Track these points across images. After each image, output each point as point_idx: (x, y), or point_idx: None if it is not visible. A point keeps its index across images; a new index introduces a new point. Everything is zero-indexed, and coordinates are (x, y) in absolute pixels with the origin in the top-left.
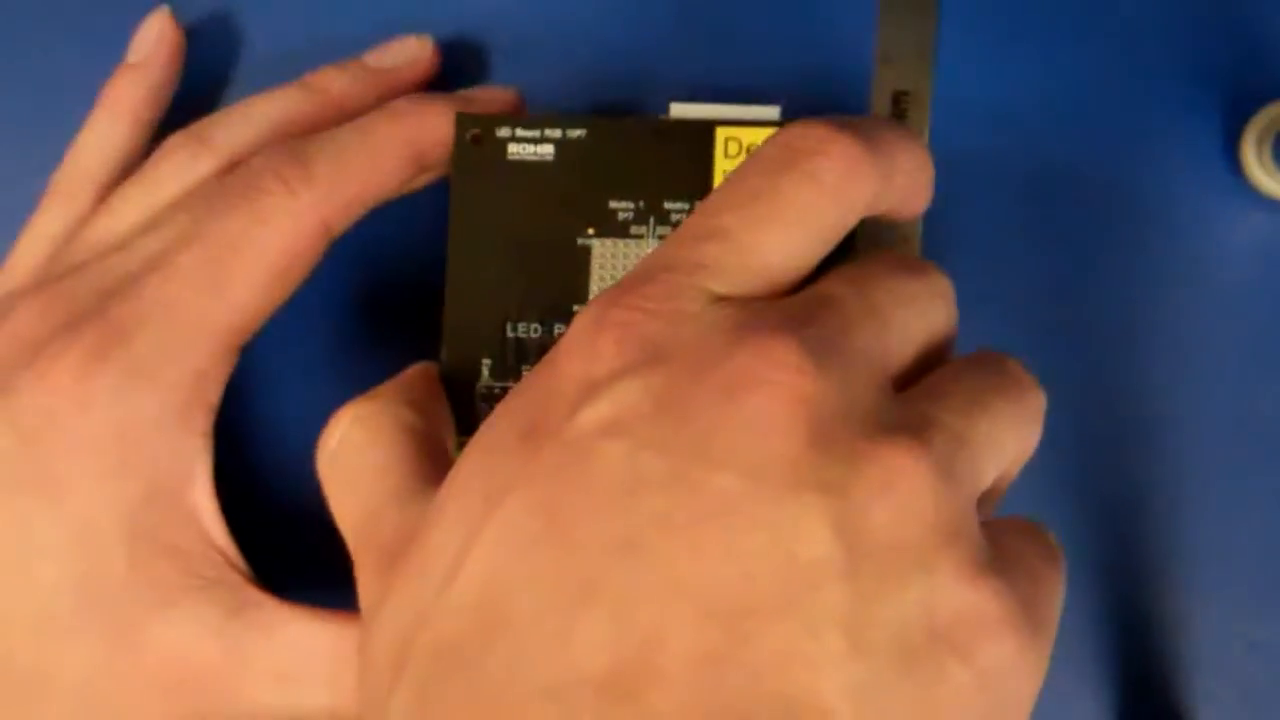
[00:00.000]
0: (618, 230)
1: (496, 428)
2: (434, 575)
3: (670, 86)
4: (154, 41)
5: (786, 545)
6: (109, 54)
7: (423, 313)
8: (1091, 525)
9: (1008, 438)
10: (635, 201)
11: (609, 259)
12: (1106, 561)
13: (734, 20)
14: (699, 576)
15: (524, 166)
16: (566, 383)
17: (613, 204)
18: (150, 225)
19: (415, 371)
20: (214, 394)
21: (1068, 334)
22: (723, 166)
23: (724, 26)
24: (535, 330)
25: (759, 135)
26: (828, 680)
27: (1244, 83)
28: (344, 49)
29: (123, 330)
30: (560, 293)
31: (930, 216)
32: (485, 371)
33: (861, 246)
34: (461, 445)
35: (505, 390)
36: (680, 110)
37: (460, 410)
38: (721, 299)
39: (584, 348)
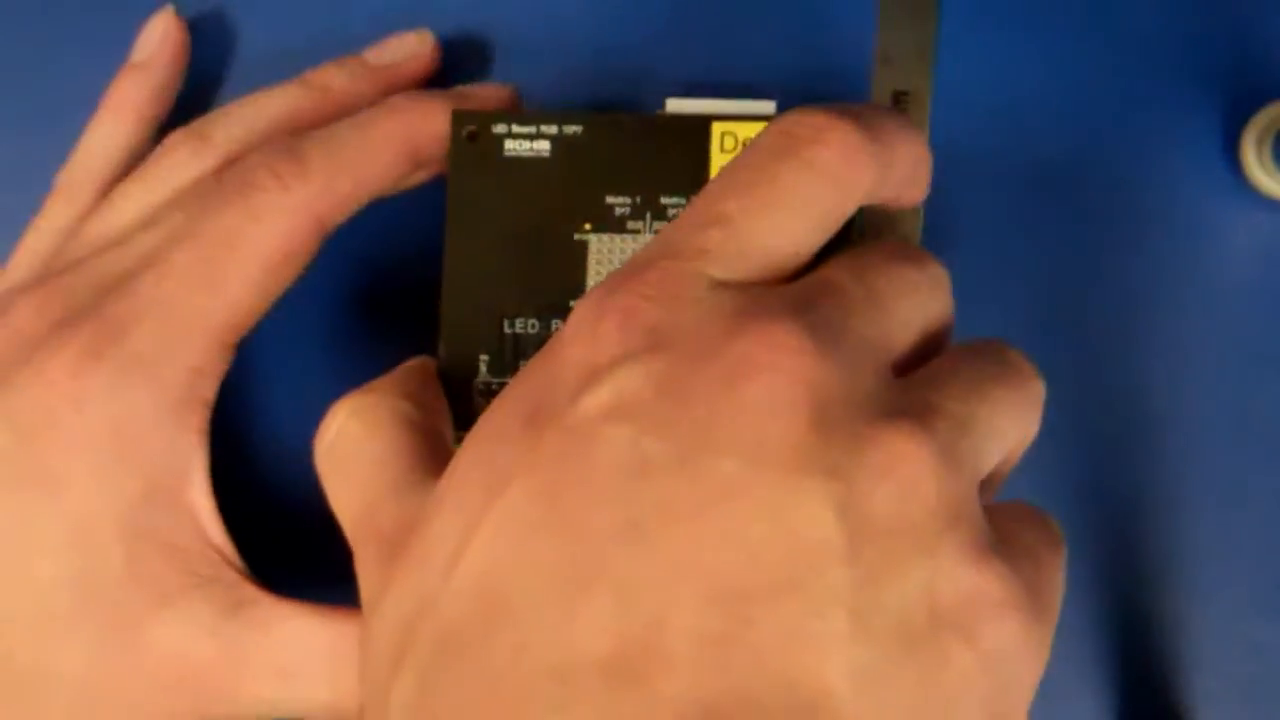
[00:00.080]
0: (614, 225)
1: (498, 415)
2: (436, 563)
3: (666, 83)
4: (158, 41)
5: (789, 529)
6: (113, 54)
7: (420, 309)
8: (1091, 525)
9: (1008, 424)
10: (632, 197)
11: (606, 254)
12: (1106, 561)
13: (730, 17)
14: (702, 560)
15: (520, 163)
16: (568, 369)
17: (609, 199)
18: (148, 222)
19: (412, 365)
20: (209, 391)
21: (1067, 334)
22: (719, 161)
23: (720, 24)
24: (533, 326)
25: (755, 130)
26: (831, 662)
27: (1244, 83)
28: (344, 46)
29: (118, 327)
30: (557, 288)
31: (931, 216)
32: (483, 367)
33: (861, 240)
34: (459, 440)
35: (503, 386)
36: (676, 106)
37: (458, 406)
38: (723, 285)
39: (586, 334)
